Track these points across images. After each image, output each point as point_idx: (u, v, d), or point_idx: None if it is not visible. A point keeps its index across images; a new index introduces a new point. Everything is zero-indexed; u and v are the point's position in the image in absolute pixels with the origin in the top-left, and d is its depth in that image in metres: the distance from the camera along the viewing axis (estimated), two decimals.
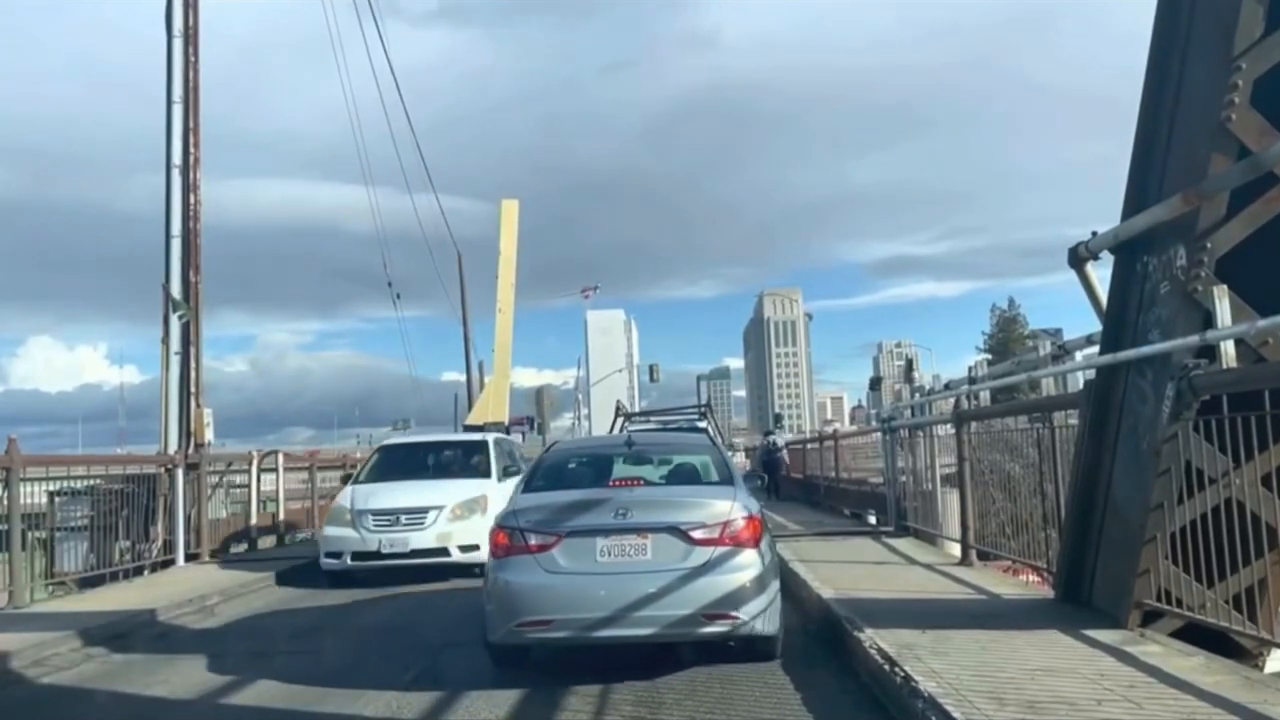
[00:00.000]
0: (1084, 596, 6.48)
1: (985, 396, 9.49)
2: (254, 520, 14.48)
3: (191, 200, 13.44)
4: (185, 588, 10.11)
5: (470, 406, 40.13)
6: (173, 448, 13.10)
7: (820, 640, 6.59)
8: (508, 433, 38.78)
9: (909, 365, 12.45)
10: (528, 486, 6.75)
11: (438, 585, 10.23)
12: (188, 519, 12.64)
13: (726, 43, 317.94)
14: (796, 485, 22.53)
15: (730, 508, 5.95)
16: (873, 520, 15.40)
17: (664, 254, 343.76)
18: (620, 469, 7.43)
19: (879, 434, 13.81)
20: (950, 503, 11.17)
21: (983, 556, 9.00)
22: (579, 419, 73.79)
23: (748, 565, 5.76)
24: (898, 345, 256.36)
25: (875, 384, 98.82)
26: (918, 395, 12.04)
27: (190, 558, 12.59)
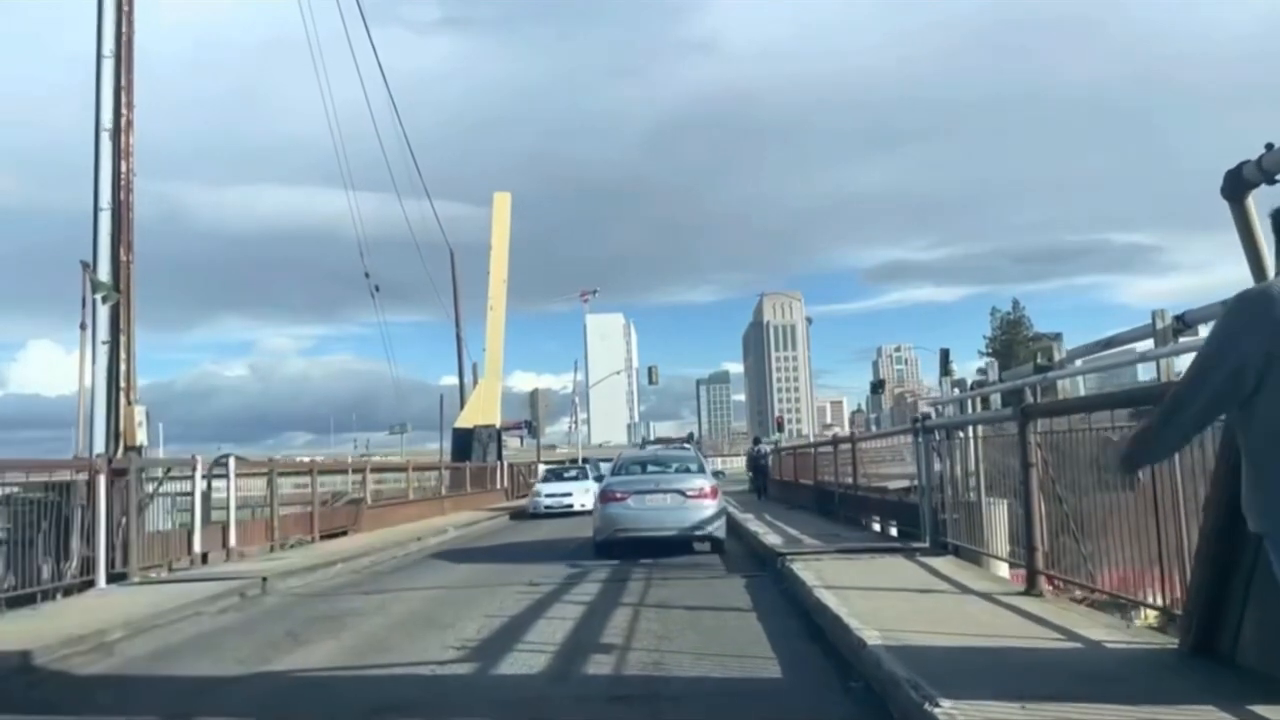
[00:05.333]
0: (1225, 650, 4.81)
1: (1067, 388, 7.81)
2: (198, 534, 12.78)
3: (123, 168, 11.78)
4: (90, 618, 8.42)
5: (463, 408, 38.60)
6: (100, 451, 11.42)
7: (873, 711, 4.91)
8: (500, 436, 37.25)
9: (944, 357, 10.81)
10: (614, 473, 15.13)
11: None
12: (113, 533, 10.97)
13: (726, 50, 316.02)
14: (806, 492, 20.86)
15: (703, 483, 13.66)
16: (893, 532, 13.78)
17: (664, 259, 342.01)
18: (652, 466, 15.49)
19: (908, 436, 12.16)
20: (997, 516, 9.54)
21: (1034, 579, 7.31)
22: (576, 423, 71.94)
23: (711, 506, 13.35)
24: (897, 350, 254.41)
25: (877, 387, 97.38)
26: (956, 390, 10.38)
27: (115, 578, 10.92)
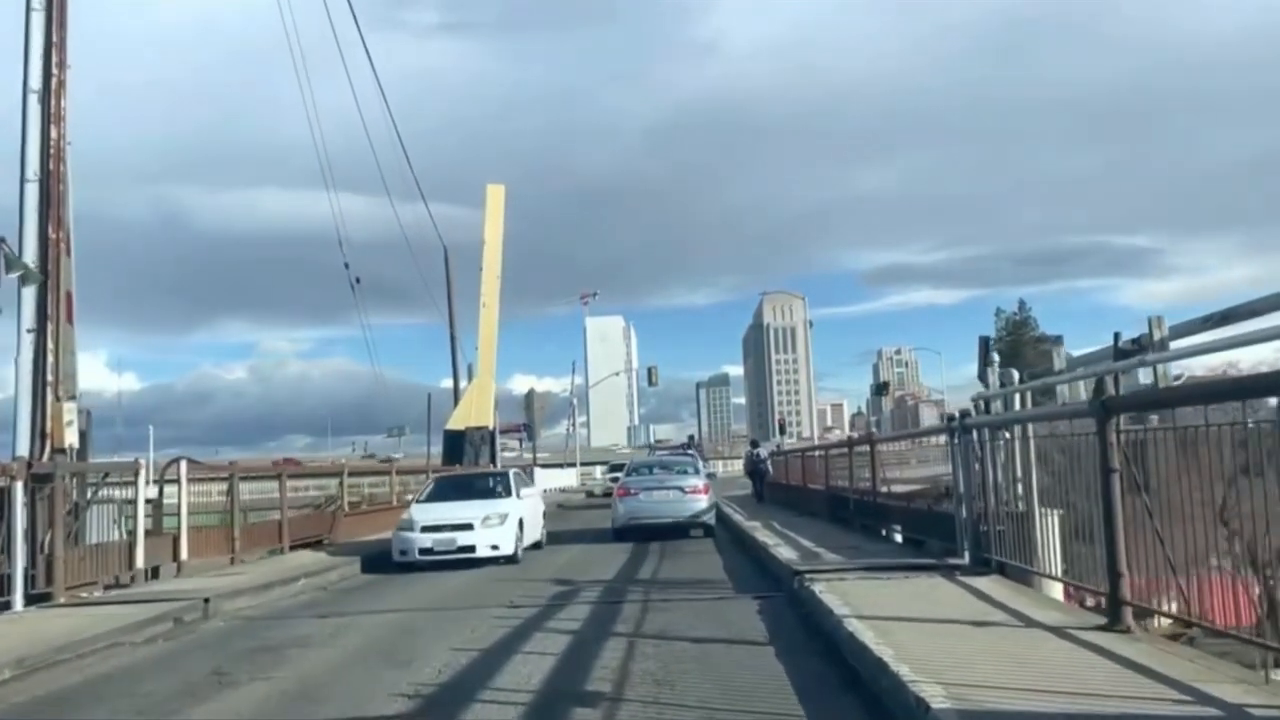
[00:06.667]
0: None
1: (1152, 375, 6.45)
2: (141, 547, 11.41)
3: (54, 134, 10.44)
4: None
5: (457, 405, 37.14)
6: (22, 454, 10.08)
7: None
8: (493, 438, 35.79)
9: (985, 346, 9.39)
10: (627, 474, 19.26)
11: None
12: (35, 547, 9.63)
13: (727, 53, 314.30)
14: (815, 498, 19.51)
15: (697, 482, 17.56)
16: (900, 539, 12.49)
17: (663, 261, 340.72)
18: (657, 469, 19.06)
19: (931, 438, 10.84)
20: (1050, 528, 8.22)
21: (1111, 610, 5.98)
22: (574, 426, 70.67)
23: (704, 500, 17.13)
24: (897, 352, 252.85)
25: (882, 389, 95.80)
26: (1000, 383, 9.03)
27: (38, 599, 9.58)
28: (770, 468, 28.78)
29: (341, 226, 22.13)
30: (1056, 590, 8.27)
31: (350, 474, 20.17)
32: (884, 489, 13.62)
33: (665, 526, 16.57)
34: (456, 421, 34.16)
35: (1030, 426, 8.29)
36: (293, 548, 16.00)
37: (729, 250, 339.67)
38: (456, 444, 33.47)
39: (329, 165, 21.12)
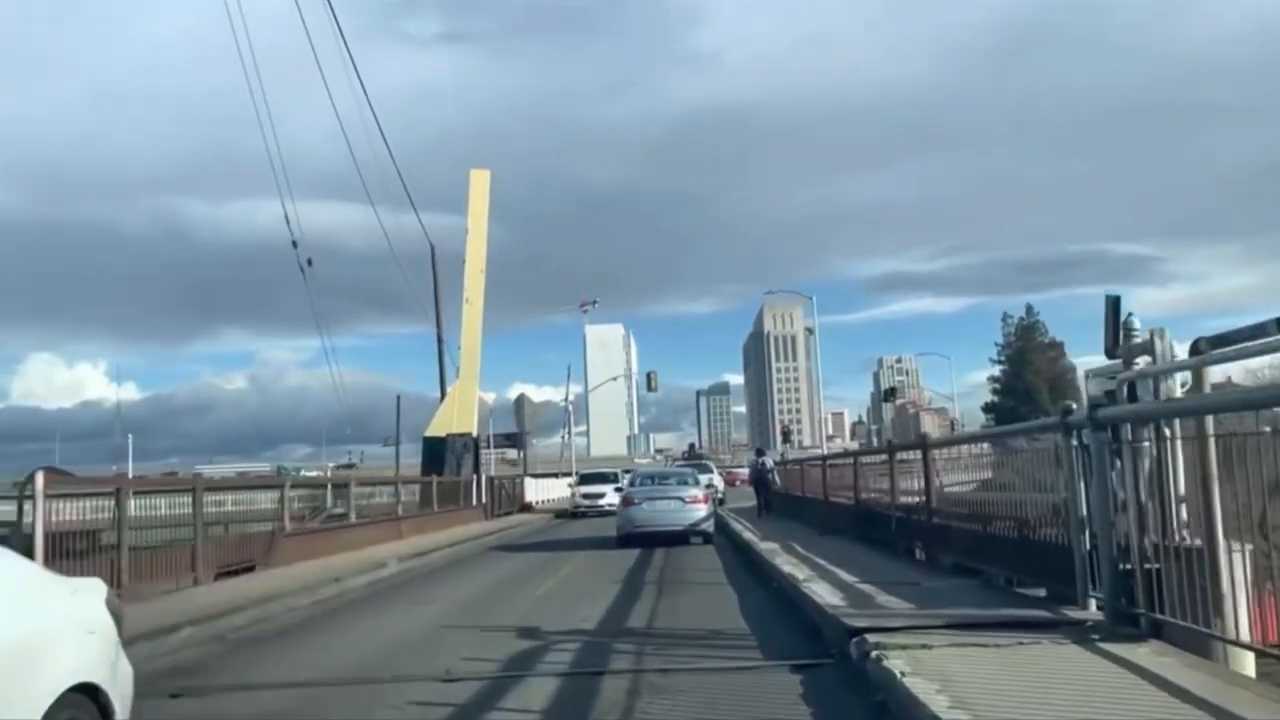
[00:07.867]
0: None
1: None
2: None
3: None
4: None
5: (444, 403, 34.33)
6: None
7: None
8: (477, 446, 32.96)
9: (1114, 308, 6.58)
10: (630, 484, 20.64)
11: None
12: None
13: (727, 63, 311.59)
14: (840, 513, 16.81)
15: (697, 492, 18.45)
16: (967, 571, 9.76)
17: (664, 270, 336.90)
18: (659, 479, 20.05)
19: (1036, 439, 8.15)
20: (1239, 571, 5.56)
21: None
22: (570, 434, 67.64)
23: (704, 510, 18.04)
24: (898, 360, 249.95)
25: (889, 395, 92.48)
26: (1142, 358, 6.30)
27: None
28: (776, 478, 26.87)
29: (290, 206, 19.71)
30: (1248, 663, 5.57)
31: (294, 486, 17.40)
32: (938, 506, 10.87)
33: (666, 534, 17.39)
34: (437, 428, 31.40)
35: (1210, 420, 5.54)
36: (219, 576, 13.30)
37: (729, 258, 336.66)
38: (437, 452, 30.74)
39: (284, 168, 19.26)
